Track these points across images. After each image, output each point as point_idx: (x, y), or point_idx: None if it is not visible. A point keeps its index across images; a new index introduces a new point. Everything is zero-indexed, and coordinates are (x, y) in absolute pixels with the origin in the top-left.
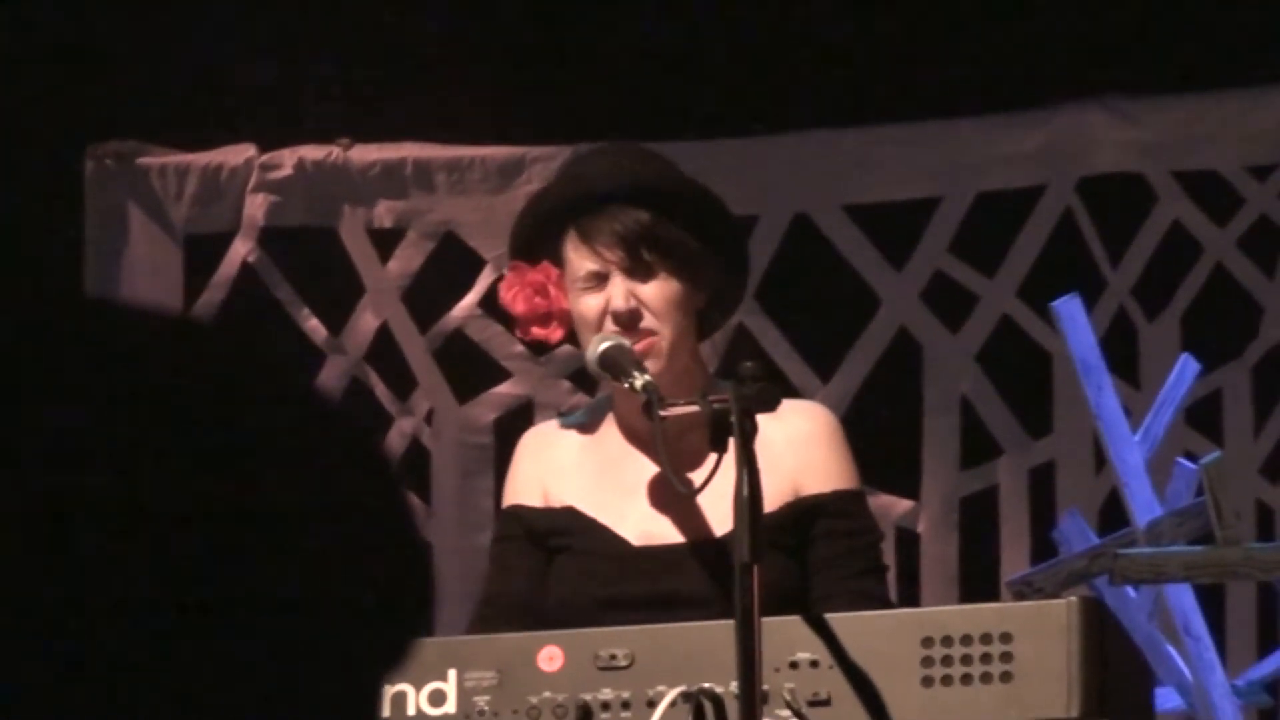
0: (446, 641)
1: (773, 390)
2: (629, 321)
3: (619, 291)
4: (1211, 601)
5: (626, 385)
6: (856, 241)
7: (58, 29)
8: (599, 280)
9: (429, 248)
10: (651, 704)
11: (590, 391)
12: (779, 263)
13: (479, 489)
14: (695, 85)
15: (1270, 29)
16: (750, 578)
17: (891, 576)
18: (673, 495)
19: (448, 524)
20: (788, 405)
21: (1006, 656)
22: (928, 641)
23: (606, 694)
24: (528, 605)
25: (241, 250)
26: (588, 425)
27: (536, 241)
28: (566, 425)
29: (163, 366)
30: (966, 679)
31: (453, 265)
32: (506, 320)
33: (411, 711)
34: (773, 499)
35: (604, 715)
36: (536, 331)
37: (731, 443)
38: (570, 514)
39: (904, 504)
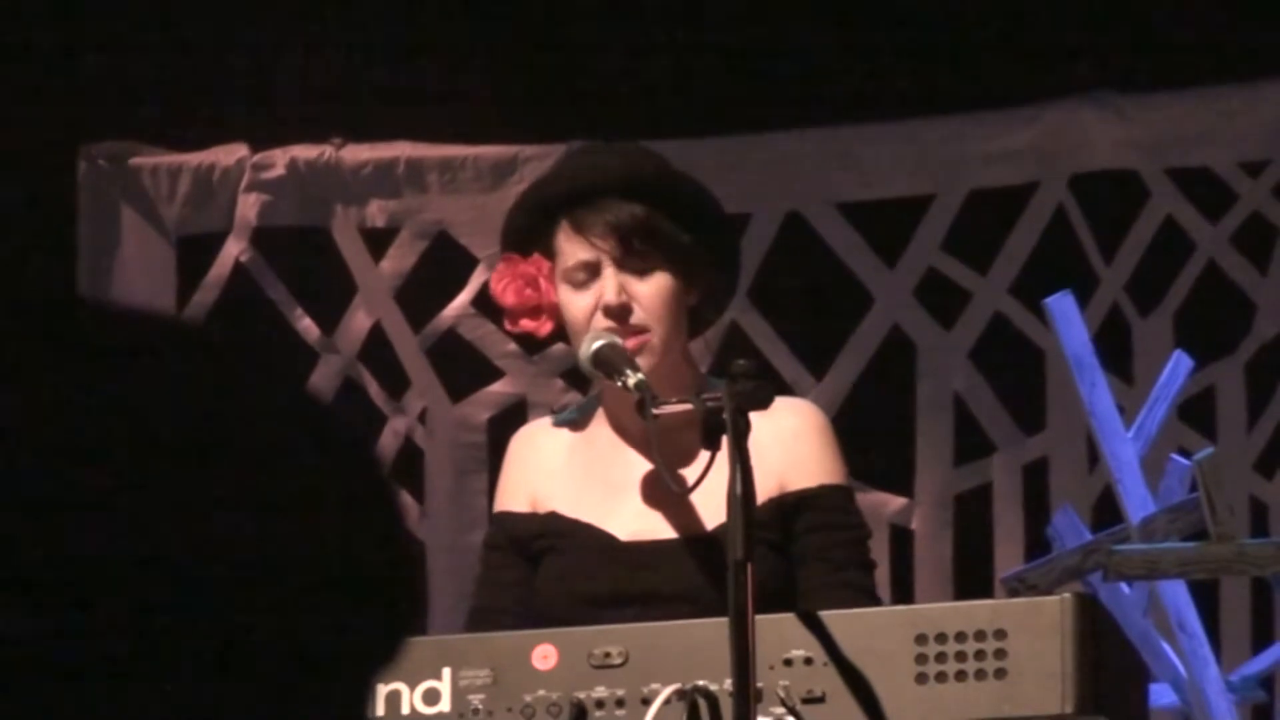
0: (441, 640)
1: (766, 388)
2: (620, 314)
3: (611, 285)
4: (1206, 597)
5: (619, 384)
6: (849, 239)
7: (51, 29)
8: (591, 271)
9: (422, 247)
10: (646, 702)
11: (583, 390)
12: (772, 260)
13: (472, 488)
14: (687, 83)
15: (1262, 25)
16: (744, 575)
17: (885, 573)
18: (662, 492)
19: (441, 522)
20: (777, 402)
21: (1000, 653)
22: (922, 638)
23: (601, 692)
24: (517, 621)
25: (234, 250)
26: (579, 422)
27: (529, 234)
28: (559, 423)
29: (155, 367)
30: (961, 676)
31: (445, 264)
32: (499, 319)
33: (406, 710)
34: (758, 495)
35: (598, 713)
36: (526, 324)
37: (724, 440)
38: (554, 519)
39: (898, 501)
